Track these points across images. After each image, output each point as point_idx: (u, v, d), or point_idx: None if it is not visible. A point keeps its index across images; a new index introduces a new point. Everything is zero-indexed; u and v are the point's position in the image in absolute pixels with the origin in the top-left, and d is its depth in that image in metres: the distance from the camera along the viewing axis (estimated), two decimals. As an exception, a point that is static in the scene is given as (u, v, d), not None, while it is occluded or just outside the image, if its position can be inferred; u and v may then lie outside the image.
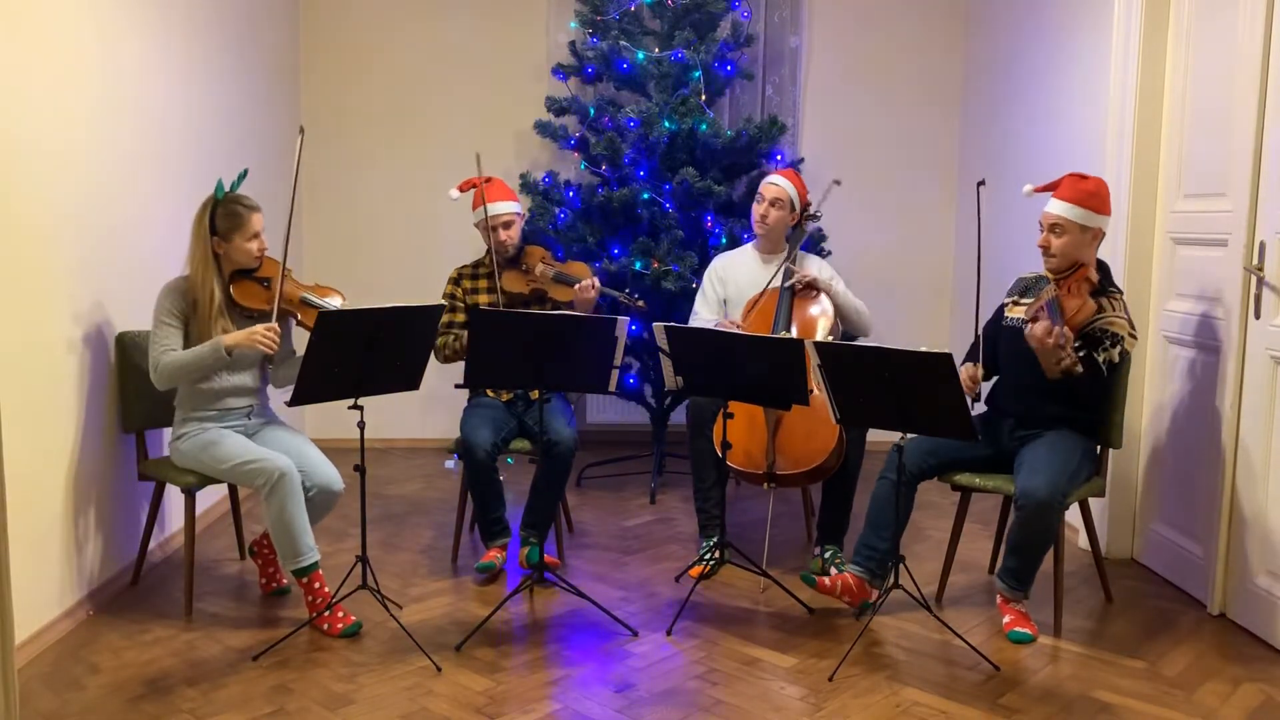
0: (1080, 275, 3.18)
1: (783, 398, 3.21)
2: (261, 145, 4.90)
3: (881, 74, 5.62)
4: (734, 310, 3.93)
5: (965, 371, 3.26)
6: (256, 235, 3.26)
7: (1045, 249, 3.22)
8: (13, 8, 2.88)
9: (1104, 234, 3.22)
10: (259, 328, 3.18)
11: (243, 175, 3.38)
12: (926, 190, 5.68)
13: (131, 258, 3.60)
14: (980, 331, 3.41)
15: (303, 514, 3.17)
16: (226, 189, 3.28)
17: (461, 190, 3.85)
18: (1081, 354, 3.06)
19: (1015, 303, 3.40)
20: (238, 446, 3.22)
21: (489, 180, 3.83)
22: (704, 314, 3.97)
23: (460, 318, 3.81)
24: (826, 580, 3.33)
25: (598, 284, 3.76)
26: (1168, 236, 3.73)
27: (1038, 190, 3.33)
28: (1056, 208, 3.19)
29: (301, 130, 3.35)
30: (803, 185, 3.95)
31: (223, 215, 3.22)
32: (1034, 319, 3.07)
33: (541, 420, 3.38)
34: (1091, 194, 3.17)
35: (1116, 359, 3.14)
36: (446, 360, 3.73)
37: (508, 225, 3.80)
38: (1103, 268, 3.29)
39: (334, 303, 3.36)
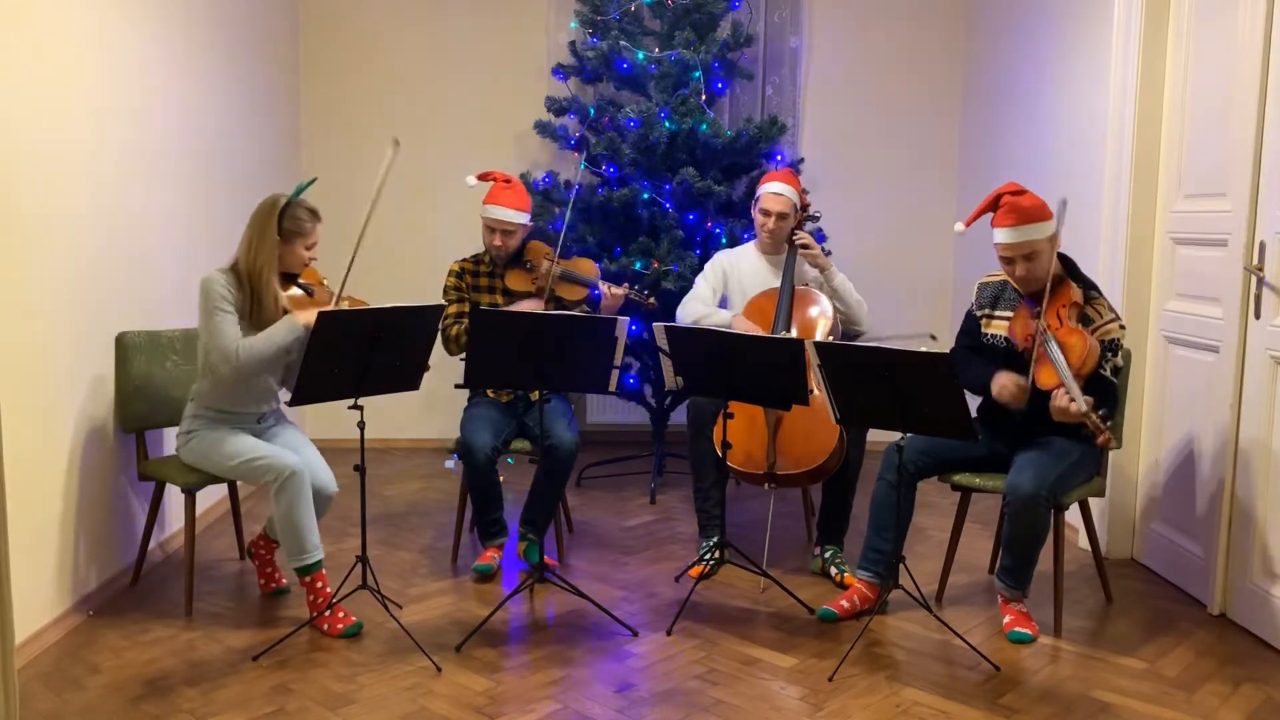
0: (1064, 299, 3.10)
1: (783, 398, 3.21)
2: (262, 145, 4.90)
3: (881, 74, 5.62)
4: (735, 309, 3.92)
5: (1013, 382, 3.13)
6: (312, 246, 3.26)
7: (1024, 279, 3.12)
8: (13, 8, 2.88)
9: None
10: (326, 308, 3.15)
11: (310, 182, 3.36)
12: (926, 190, 5.68)
13: (132, 258, 3.60)
14: (959, 341, 3.41)
15: (310, 512, 3.17)
16: (297, 193, 3.26)
17: (480, 179, 3.84)
18: (1101, 413, 2.93)
19: (989, 316, 3.35)
20: (246, 443, 3.22)
21: (509, 181, 3.78)
22: (703, 289, 3.96)
23: (467, 308, 3.78)
24: (845, 604, 3.33)
25: (620, 293, 3.68)
26: (1168, 236, 3.73)
27: (969, 223, 3.25)
28: (1020, 235, 3.07)
29: (396, 142, 3.21)
30: (799, 184, 3.94)
31: (290, 219, 3.19)
32: (1039, 374, 3.02)
33: (542, 423, 3.37)
34: (1037, 205, 3.09)
35: (1120, 363, 3.14)
36: (459, 349, 3.69)
37: (507, 234, 3.74)
38: (1069, 263, 3.24)
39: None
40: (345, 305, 3.28)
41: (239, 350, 3.10)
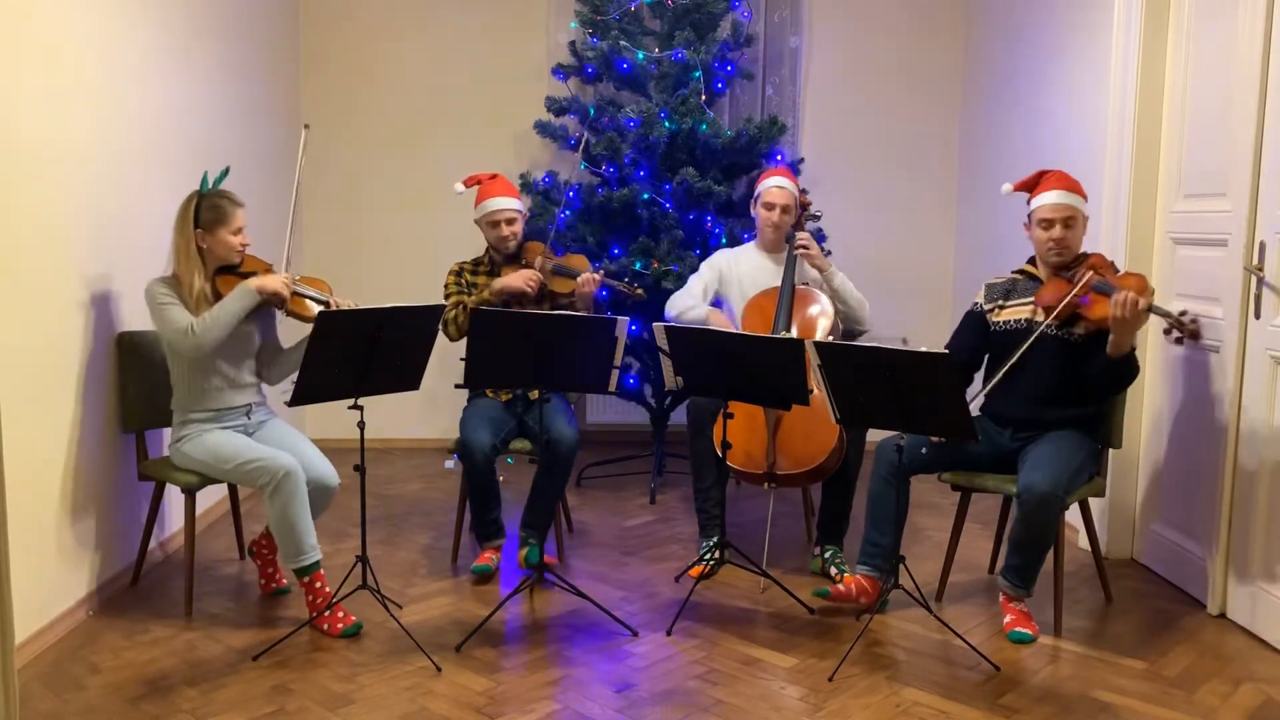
0: (1099, 262, 3.23)
1: (783, 398, 3.21)
2: (263, 145, 4.90)
3: (881, 74, 5.62)
4: (734, 308, 3.93)
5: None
6: (239, 230, 3.28)
7: (1060, 243, 3.25)
8: (13, 8, 2.88)
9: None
10: (278, 275, 3.25)
11: (225, 173, 3.42)
12: (926, 190, 5.68)
13: (132, 257, 3.60)
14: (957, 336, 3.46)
15: (306, 513, 3.17)
16: (210, 184, 3.31)
17: (467, 185, 3.90)
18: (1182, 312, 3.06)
19: (1001, 307, 3.38)
20: (240, 446, 3.22)
21: (494, 177, 3.87)
22: (695, 286, 3.99)
23: (467, 298, 3.81)
24: (841, 586, 3.33)
25: (597, 276, 3.75)
26: (1168, 236, 3.73)
27: (1017, 187, 3.41)
28: (1064, 199, 3.25)
29: (306, 127, 3.35)
30: (796, 182, 4.01)
31: (207, 208, 3.25)
32: (1092, 301, 3.11)
33: (541, 420, 3.38)
34: (1077, 183, 3.29)
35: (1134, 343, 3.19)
36: (459, 332, 3.72)
37: (510, 221, 3.81)
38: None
39: (319, 294, 3.36)
40: (304, 287, 3.33)
41: (193, 327, 3.14)
